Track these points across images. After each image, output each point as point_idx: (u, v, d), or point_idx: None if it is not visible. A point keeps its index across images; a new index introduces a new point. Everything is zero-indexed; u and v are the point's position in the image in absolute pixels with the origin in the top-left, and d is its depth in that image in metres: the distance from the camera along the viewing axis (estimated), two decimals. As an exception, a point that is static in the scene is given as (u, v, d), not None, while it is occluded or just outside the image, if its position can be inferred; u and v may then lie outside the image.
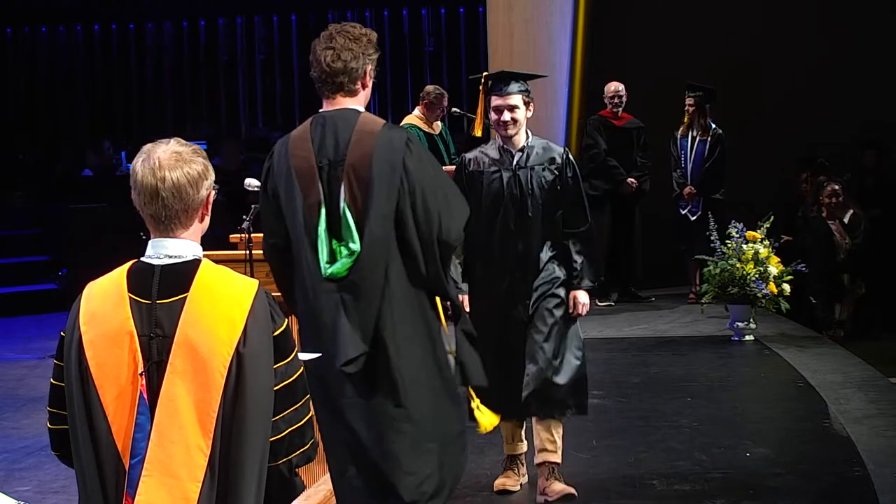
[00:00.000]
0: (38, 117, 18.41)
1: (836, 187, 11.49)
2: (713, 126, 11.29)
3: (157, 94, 18.60)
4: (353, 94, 4.52)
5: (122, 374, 2.86)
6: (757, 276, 9.58)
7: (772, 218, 9.86)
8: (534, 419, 5.90)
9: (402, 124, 9.45)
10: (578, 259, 5.75)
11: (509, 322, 5.74)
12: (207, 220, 3.00)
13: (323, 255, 4.37)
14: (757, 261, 9.62)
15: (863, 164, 12.87)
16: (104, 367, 2.86)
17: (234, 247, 5.79)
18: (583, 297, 5.76)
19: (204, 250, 2.99)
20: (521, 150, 5.78)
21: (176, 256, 2.93)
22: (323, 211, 4.38)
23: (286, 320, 2.98)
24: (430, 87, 10.24)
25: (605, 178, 11.37)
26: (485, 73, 6.01)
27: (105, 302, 2.91)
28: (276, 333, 2.93)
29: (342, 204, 4.37)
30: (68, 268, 12.87)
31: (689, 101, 11.28)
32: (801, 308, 10.77)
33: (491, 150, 5.83)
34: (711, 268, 9.76)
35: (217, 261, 2.99)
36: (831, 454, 6.76)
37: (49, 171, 15.67)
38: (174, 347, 2.85)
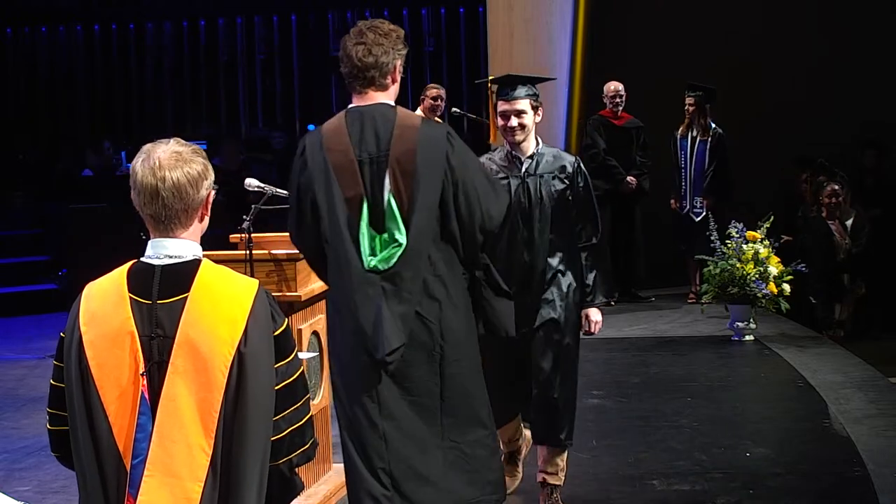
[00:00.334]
0: (38, 117, 18.41)
1: (836, 187, 11.49)
2: (713, 126, 11.28)
3: (157, 94, 18.60)
4: (383, 88, 4.56)
5: (123, 375, 2.86)
6: (757, 276, 9.58)
7: (772, 218, 9.86)
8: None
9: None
10: (591, 274, 5.55)
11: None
12: (207, 220, 3.00)
13: (365, 247, 4.42)
14: (757, 261, 9.62)
15: (863, 165, 12.87)
16: (105, 368, 2.86)
17: (234, 247, 5.79)
18: (595, 314, 5.61)
19: (204, 250, 3.00)
20: (531, 157, 5.57)
21: (176, 256, 2.93)
22: (366, 204, 4.42)
23: (286, 320, 2.99)
24: (430, 88, 10.25)
25: (605, 177, 11.37)
26: (490, 78, 5.87)
27: (105, 302, 2.91)
28: (276, 333, 2.93)
29: (388, 197, 4.42)
30: (68, 268, 12.86)
31: (688, 100, 11.28)
32: (801, 308, 10.76)
33: (498, 156, 5.63)
34: (711, 268, 9.76)
35: (217, 261, 2.99)
36: (831, 454, 6.76)
37: (49, 171, 15.66)
38: (175, 347, 2.85)
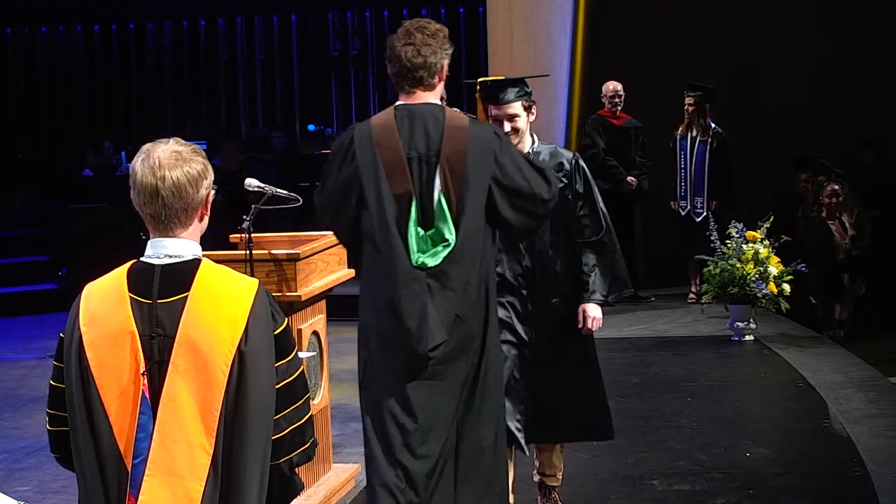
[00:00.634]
0: (38, 117, 18.40)
1: (836, 187, 11.49)
2: (713, 126, 11.28)
3: (157, 94, 18.59)
4: (431, 88, 4.62)
5: (124, 375, 2.86)
6: (757, 276, 9.58)
7: (772, 218, 9.86)
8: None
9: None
10: (588, 271, 5.43)
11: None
12: (207, 219, 3.00)
13: (413, 244, 4.48)
14: (757, 261, 9.62)
15: (862, 165, 12.86)
16: (105, 368, 2.86)
17: (234, 247, 5.79)
18: (593, 310, 5.42)
19: (204, 250, 3.00)
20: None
21: (176, 256, 2.93)
22: (415, 202, 4.48)
23: (286, 319, 2.99)
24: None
25: (605, 177, 11.36)
26: (479, 80, 5.79)
27: (105, 302, 2.91)
28: (276, 332, 2.93)
29: (438, 196, 4.49)
30: (68, 268, 12.85)
31: (688, 100, 11.28)
32: (801, 308, 10.76)
33: None
34: (711, 268, 9.76)
35: (217, 261, 2.99)
36: (831, 454, 6.77)
37: (49, 171, 15.65)
38: (176, 347, 2.85)
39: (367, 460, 4.70)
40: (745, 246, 9.68)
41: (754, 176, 11.75)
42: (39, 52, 18.72)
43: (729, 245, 9.73)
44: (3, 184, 14.77)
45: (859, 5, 12.71)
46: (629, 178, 11.45)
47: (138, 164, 2.93)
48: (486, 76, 6.03)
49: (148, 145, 2.95)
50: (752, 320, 9.72)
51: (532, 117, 5.46)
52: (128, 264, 2.96)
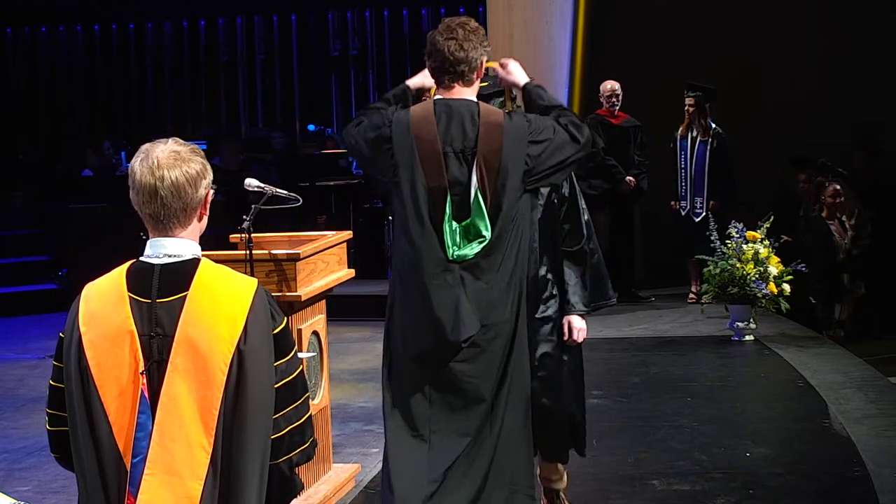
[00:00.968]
0: (38, 117, 18.42)
1: (838, 187, 11.49)
2: (713, 126, 11.28)
3: (157, 94, 18.61)
4: (470, 84, 4.68)
5: (123, 374, 2.86)
6: (757, 276, 9.58)
7: (772, 218, 9.86)
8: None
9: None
10: (571, 281, 5.32)
11: None
12: (206, 219, 3.00)
13: (448, 237, 4.55)
14: (757, 261, 9.62)
15: (854, 166, 12.84)
16: (104, 367, 2.86)
17: (234, 247, 5.79)
18: (577, 322, 5.30)
19: (204, 250, 3.00)
20: None
21: (175, 255, 2.93)
22: (449, 196, 4.55)
23: (285, 318, 2.99)
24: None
25: (604, 177, 11.37)
26: None
27: (105, 302, 2.91)
28: (275, 331, 2.93)
29: (475, 192, 4.55)
30: (68, 268, 12.86)
31: (688, 101, 11.28)
32: (801, 308, 10.76)
33: None
34: (711, 268, 9.76)
35: (217, 261, 2.99)
36: (831, 454, 6.76)
37: (49, 171, 15.66)
38: (175, 346, 2.85)
39: (386, 445, 4.74)
40: (745, 246, 9.68)
41: (754, 176, 11.75)
42: (39, 52, 18.73)
43: (729, 245, 9.73)
44: (3, 184, 14.78)
45: (859, 5, 12.71)
46: (628, 178, 11.46)
47: (137, 164, 2.93)
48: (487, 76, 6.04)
49: (147, 145, 2.95)
50: (752, 320, 9.72)
51: None
52: (127, 264, 2.96)
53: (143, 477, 2.82)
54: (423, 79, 4.92)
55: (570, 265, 5.33)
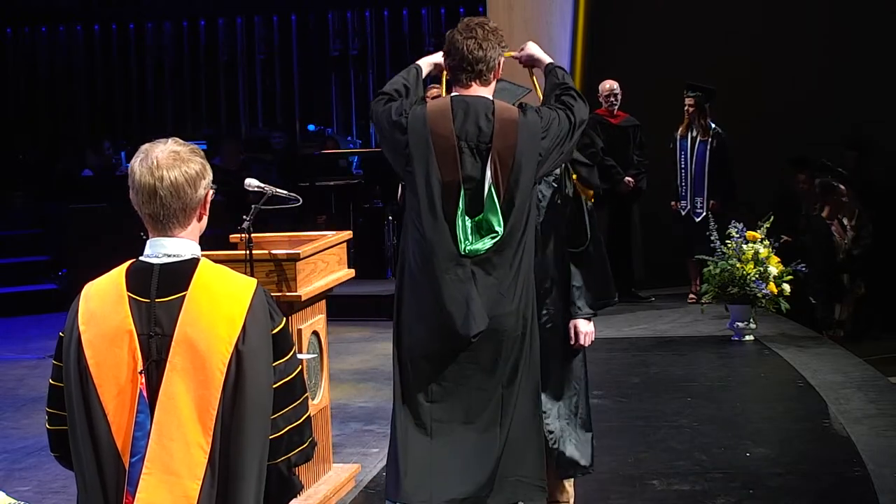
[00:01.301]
0: (38, 117, 18.42)
1: (842, 187, 11.49)
2: (713, 126, 11.28)
3: (157, 94, 18.61)
4: (487, 83, 4.73)
5: (122, 373, 2.86)
6: (757, 276, 9.58)
7: (772, 218, 9.86)
8: None
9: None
10: (576, 283, 5.22)
11: None
12: (206, 219, 3.00)
13: (461, 232, 4.60)
14: (757, 261, 9.62)
15: (846, 166, 12.83)
16: (103, 367, 2.87)
17: (234, 247, 5.79)
18: (583, 325, 5.21)
19: (204, 250, 3.00)
20: None
21: (174, 255, 2.93)
22: (463, 191, 4.59)
23: (284, 319, 2.99)
24: (431, 88, 10.23)
25: (603, 177, 11.35)
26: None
27: (104, 301, 2.91)
28: (274, 331, 2.93)
29: (488, 187, 4.59)
30: (68, 268, 12.86)
31: (688, 101, 11.28)
32: (801, 308, 10.76)
33: None
34: (711, 268, 9.76)
35: (217, 261, 2.99)
36: (831, 454, 6.76)
37: (49, 171, 15.66)
38: (173, 345, 2.85)
39: (392, 442, 4.76)
40: (745, 246, 9.68)
41: (754, 176, 11.75)
42: (39, 52, 18.73)
43: (729, 245, 9.73)
44: (3, 184, 14.78)
45: (859, 5, 12.71)
46: (627, 178, 11.45)
47: (137, 164, 2.93)
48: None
49: (146, 145, 2.95)
50: (752, 320, 9.72)
51: None
52: (127, 263, 2.96)
53: (141, 476, 2.82)
54: (433, 59, 4.96)
55: (575, 267, 5.25)
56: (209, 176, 2.98)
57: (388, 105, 4.78)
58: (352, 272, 6.39)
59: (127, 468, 2.84)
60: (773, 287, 9.57)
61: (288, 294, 5.61)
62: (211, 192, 2.98)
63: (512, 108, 4.74)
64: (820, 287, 11.29)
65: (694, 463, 6.62)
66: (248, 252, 5.52)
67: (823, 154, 12.11)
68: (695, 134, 11.32)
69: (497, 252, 4.61)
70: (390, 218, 12.57)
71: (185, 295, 2.88)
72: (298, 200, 5.82)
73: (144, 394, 2.85)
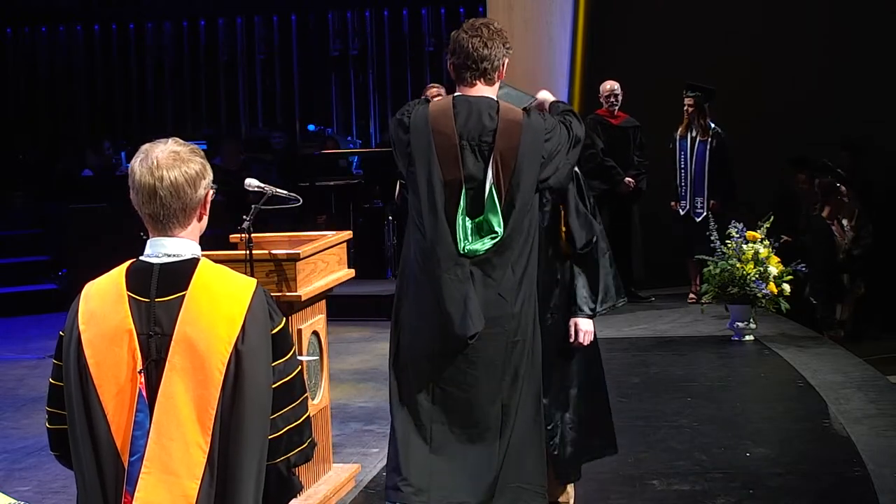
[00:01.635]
0: (38, 117, 18.41)
1: (842, 187, 11.49)
2: (713, 126, 11.28)
3: (157, 94, 18.60)
4: (491, 82, 4.73)
5: (121, 373, 2.86)
6: (757, 276, 9.58)
7: (772, 218, 9.86)
8: None
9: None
10: (578, 283, 5.24)
11: None
12: (206, 219, 3.00)
13: (460, 232, 4.59)
14: (757, 261, 9.62)
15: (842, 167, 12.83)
16: (103, 366, 2.87)
17: (234, 247, 5.79)
18: (584, 324, 5.23)
19: (204, 250, 3.00)
20: None
21: (174, 255, 2.93)
22: (464, 190, 4.58)
23: (284, 319, 2.99)
24: (431, 87, 10.23)
25: (603, 177, 11.37)
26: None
27: (104, 301, 2.91)
28: (274, 331, 2.93)
29: (489, 187, 4.59)
30: (68, 268, 12.86)
31: (687, 101, 11.27)
32: (801, 308, 10.76)
33: None
34: (711, 268, 9.76)
35: (217, 261, 3.00)
36: (831, 454, 6.76)
37: (49, 171, 15.66)
38: (173, 345, 2.85)
39: (391, 436, 4.77)
40: (745, 246, 9.68)
41: (754, 176, 11.75)
42: (39, 52, 18.73)
43: (729, 245, 9.73)
44: (3, 184, 14.78)
45: (859, 5, 12.71)
46: (627, 179, 11.45)
47: (137, 164, 2.94)
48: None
49: (146, 145, 2.96)
50: (752, 320, 9.72)
51: None
52: (127, 263, 2.96)
53: (140, 475, 2.82)
54: None
55: (576, 267, 5.26)
56: (209, 176, 2.98)
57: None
58: (352, 272, 6.39)
59: (126, 467, 2.84)
60: (773, 287, 9.57)
61: (288, 294, 5.61)
62: (211, 192, 2.98)
63: (517, 109, 4.74)
64: (820, 287, 11.29)
65: (694, 463, 6.62)
66: (248, 252, 5.52)
67: (823, 154, 12.10)
68: (694, 134, 11.31)
69: (497, 253, 4.60)
70: (390, 218, 12.57)
71: (184, 295, 2.88)
72: (298, 200, 5.81)
73: (144, 393, 2.85)
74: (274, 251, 5.73)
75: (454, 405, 4.67)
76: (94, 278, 2.99)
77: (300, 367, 3.01)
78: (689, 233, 11.17)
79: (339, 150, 16.00)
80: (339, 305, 8.83)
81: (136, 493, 2.82)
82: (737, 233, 9.74)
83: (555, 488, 5.49)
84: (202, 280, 2.90)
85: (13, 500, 4.92)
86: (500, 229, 4.59)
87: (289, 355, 2.96)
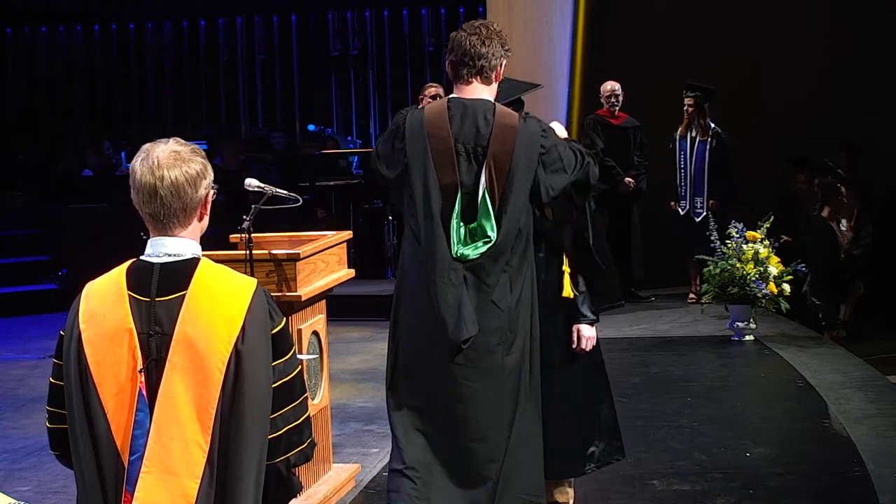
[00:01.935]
0: (38, 117, 18.41)
1: (843, 188, 11.49)
2: (713, 126, 11.28)
3: (157, 94, 18.60)
4: (487, 81, 4.70)
5: (122, 372, 2.86)
6: (757, 276, 9.58)
7: (772, 218, 9.86)
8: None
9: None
10: (581, 289, 5.21)
11: None
12: (206, 219, 3.01)
13: (454, 235, 4.57)
14: (757, 261, 9.62)
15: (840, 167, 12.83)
16: (103, 365, 2.87)
17: (234, 247, 5.79)
18: (586, 330, 5.24)
19: (204, 250, 3.00)
20: None
21: (175, 255, 2.93)
22: (459, 194, 4.56)
23: (284, 319, 2.99)
24: (429, 87, 10.22)
25: (603, 178, 11.34)
26: None
27: (104, 300, 2.91)
28: (274, 331, 2.93)
29: (482, 191, 4.57)
30: (68, 268, 12.86)
31: (687, 101, 11.28)
32: (801, 308, 10.76)
33: None
34: (711, 268, 9.76)
35: (217, 261, 3.00)
36: (831, 454, 6.76)
37: (49, 171, 15.66)
38: (173, 344, 2.85)
39: (392, 447, 4.75)
40: (745, 246, 9.68)
41: (754, 176, 11.75)
42: (39, 52, 18.73)
43: (729, 245, 9.73)
44: (3, 184, 14.78)
45: (859, 5, 12.71)
46: (627, 179, 11.45)
47: (138, 164, 2.94)
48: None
49: (148, 145, 2.96)
50: (752, 320, 9.72)
51: None
52: (127, 263, 2.97)
53: (140, 475, 2.82)
54: None
55: (580, 273, 5.24)
56: (210, 176, 2.98)
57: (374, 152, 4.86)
58: (352, 272, 6.39)
59: (126, 467, 2.84)
60: (773, 287, 9.57)
61: (288, 294, 5.61)
62: (212, 192, 2.99)
63: (513, 113, 4.71)
64: (823, 287, 11.28)
65: (694, 463, 6.62)
66: (248, 252, 5.52)
67: (823, 154, 12.11)
68: (694, 134, 11.32)
69: (490, 259, 4.57)
70: (390, 218, 12.57)
71: (185, 294, 2.88)
72: (298, 200, 5.82)
73: (144, 392, 2.85)
74: (274, 251, 5.73)
75: (448, 416, 4.62)
76: (94, 278, 2.99)
77: (300, 366, 3.01)
78: (689, 233, 11.18)
79: (339, 150, 15.99)
80: (339, 305, 8.82)
81: (135, 493, 2.82)
82: (737, 233, 9.74)
83: (553, 487, 5.50)
84: (202, 280, 2.90)
85: (13, 500, 4.92)
86: (493, 234, 4.56)
87: (289, 355, 2.96)
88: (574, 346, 5.27)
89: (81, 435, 2.88)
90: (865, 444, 6.85)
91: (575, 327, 5.26)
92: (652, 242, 11.56)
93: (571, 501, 5.60)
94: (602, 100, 11.56)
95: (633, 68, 12.06)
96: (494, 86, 4.74)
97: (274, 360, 2.93)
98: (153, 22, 18.50)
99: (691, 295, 11.33)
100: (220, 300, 2.88)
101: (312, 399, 5.79)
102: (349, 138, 17.87)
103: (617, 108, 11.53)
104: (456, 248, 4.56)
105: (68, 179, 14.94)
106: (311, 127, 18.13)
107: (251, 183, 5.77)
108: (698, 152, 11.29)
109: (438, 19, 17.73)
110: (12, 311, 12.42)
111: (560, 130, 4.99)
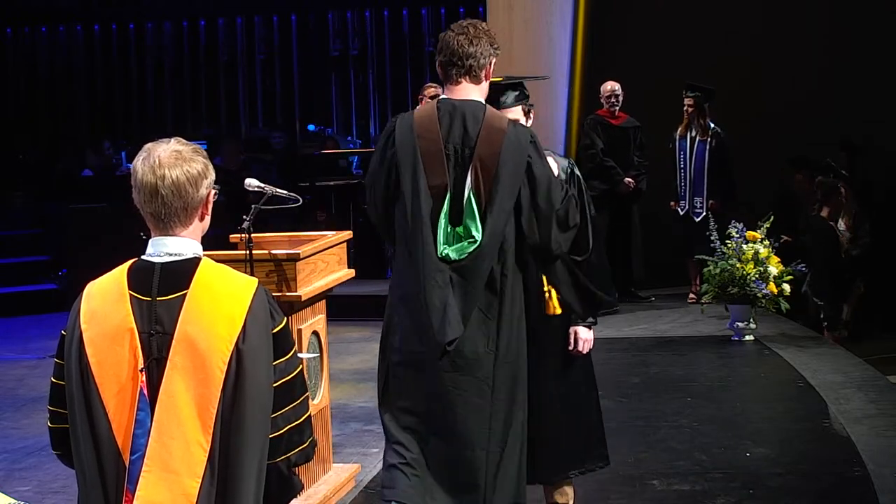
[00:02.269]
0: (38, 117, 18.42)
1: (843, 188, 11.49)
2: (712, 126, 11.28)
3: (157, 94, 18.61)
4: (477, 81, 4.69)
5: (123, 371, 2.87)
6: (757, 276, 9.58)
7: (772, 218, 9.86)
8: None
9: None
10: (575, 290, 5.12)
11: None
12: (208, 219, 3.01)
13: (441, 236, 4.56)
14: (757, 261, 9.62)
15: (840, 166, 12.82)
16: (104, 365, 2.87)
17: (234, 247, 5.79)
18: (583, 332, 5.22)
19: (204, 250, 3.00)
20: None
21: (176, 254, 2.94)
22: (448, 195, 4.55)
23: (285, 318, 2.99)
24: (429, 87, 10.22)
25: (603, 178, 11.37)
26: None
27: (106, 300, 2.92)
28: (275, 331, 2.94)
29: (468, 193, 4.56)
30: (68, 268, 12.86)
31: (687, 101, 11.28)
32: (801, 308, 10.75)
33: None
34: (711, 268, 9.76)
35: (217, 261, 3.00)
36: (831, 454, 6.76)
37: (49, 171, 15.67)
38: (174, 344, 2.85)
39: (386, 446, 4.76)
40: (745, 246, 9.68)
41: (754, 176, 11.75)
42: (39, 52, 18.73)
43: (729, 245, 9.73)
44: (3, 184, 14.78)
45: (859, 5, 12.72)
46: (626, 179, 11.45)
47: (139, 164, 2.94)
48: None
49: (149, 144, 2.96)
50: (752, 320, 9.72)
51: (530, 122, 5.23)
52: (129, 262, 2.97)
53: (141, 474, 2.83)
54: None
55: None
56: (211, 176, 2.98)
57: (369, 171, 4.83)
58: (352, 272, 6.40)
59: (127, 466, 2.85)
60: (773, 287, 9.57)
61: (288, 294, 5.62)
62: (213, 192, 2.99)
63: (504, 117, 4.71)
64: (824, 287, 11.28)
65: (694, 463, 6.62)
66: (248, 252, 5.52)
67: (823, 154, 12.10)
68: (694, 134, 11.31)
69: (476, 260, 4.55)
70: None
71: (185, 293, 2.88)
72: (298, 200, 5.82)
73: (145, 392, 2.85)
74: (274, 251, 5.73)
75: (438, 421, 4.61)
76: (94, 278, 2.99)
77: (301, 366, 3.01)
78: (689, 233, 11.17)
79: (339, 150, 16.00)
80: (339, 305, 8.82)
81: (136, 492, 2.82)
82: (737, 233, 9.74)
83: (552, 488, 5.50)
84: (203, 279, 2.91)
85: (13, 500, 4.92)
86: (478, 235, 4.54)
87: (289, 354, 2.97)
88: (570, 348, 5.25)
89: (83, 434, 2.88)
90: (865, 444, 6.85)
91: (572, 329, 5.25)
92: (652, 242, 11.56)
93: (571, 501, 5.60)
94: (602, 100, 11.56)
95: (633, 68, 12.06)
96: (485, 85, 4.72)
97: (275, 360, 2.93)
98: (153, 22, 18.50)
99: (691, 295, 11.33)
100: (221, 300, 2.88)
101: (312, 399, 5.79)
102: (349, 138, 17.88)
103: (617, 108, 11.53)
104: (441, 249, 4.56)
105: (68, 179, 14.94)
106: (311, 127, 18.13)
107: (251, 183, 5.77)
108: (698, 152, 11.29)
109: (438, 19, 17.73)
110: (12, 311, 12.42)
111: (554, 166, 4.95)
